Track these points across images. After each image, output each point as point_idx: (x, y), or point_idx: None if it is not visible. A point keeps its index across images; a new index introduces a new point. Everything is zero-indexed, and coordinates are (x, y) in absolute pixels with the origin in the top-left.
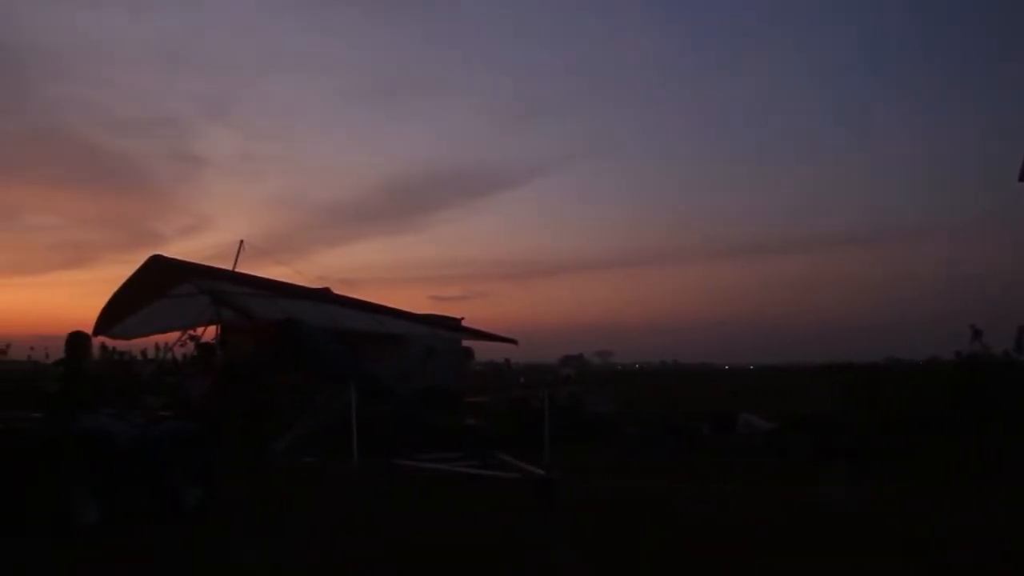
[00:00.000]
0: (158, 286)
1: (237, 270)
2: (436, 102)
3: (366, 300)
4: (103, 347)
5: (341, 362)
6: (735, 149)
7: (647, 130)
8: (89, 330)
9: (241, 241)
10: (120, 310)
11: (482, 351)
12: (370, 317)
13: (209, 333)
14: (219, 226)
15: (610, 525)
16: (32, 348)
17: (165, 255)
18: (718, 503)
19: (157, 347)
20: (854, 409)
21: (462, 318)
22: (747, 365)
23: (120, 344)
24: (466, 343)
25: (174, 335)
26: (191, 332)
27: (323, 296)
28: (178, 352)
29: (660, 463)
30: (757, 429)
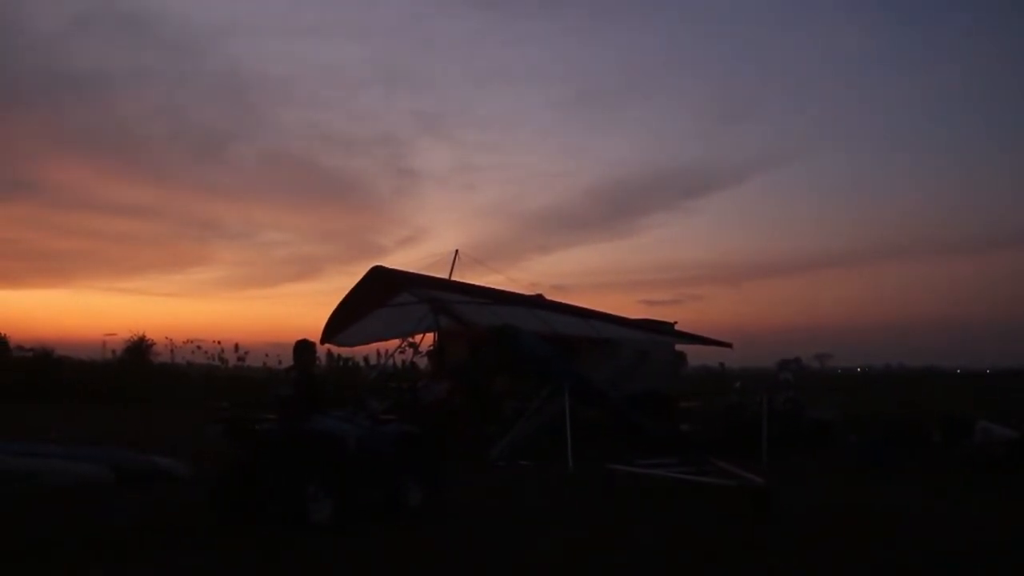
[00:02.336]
0: (379, 296)
1: (453, 279)
2: (643, 107)
3: (578, 305)
4: (329, 354)
5: (556, 367)
6: (963, 139)
7: (863, 124)
8: (316, 338)
9: (456, 251)
10: (344, 319)
11: (696, 355)
12: (583, 322)
13: (427, 340)
14: (435, 236)
15: (835, 537)
16: (267, 355)
17: (385, 266)
18: (970, 522)
19: (379, 353)
20: None
21: (675, 322)
22: (983, 369)
23: (344, 351)
24: (679, 347)
25: (394, 342)
26: (410, 339)
27: (536, 302)
28: (399, 359)
29: (886, 473)
30: (998, 438)
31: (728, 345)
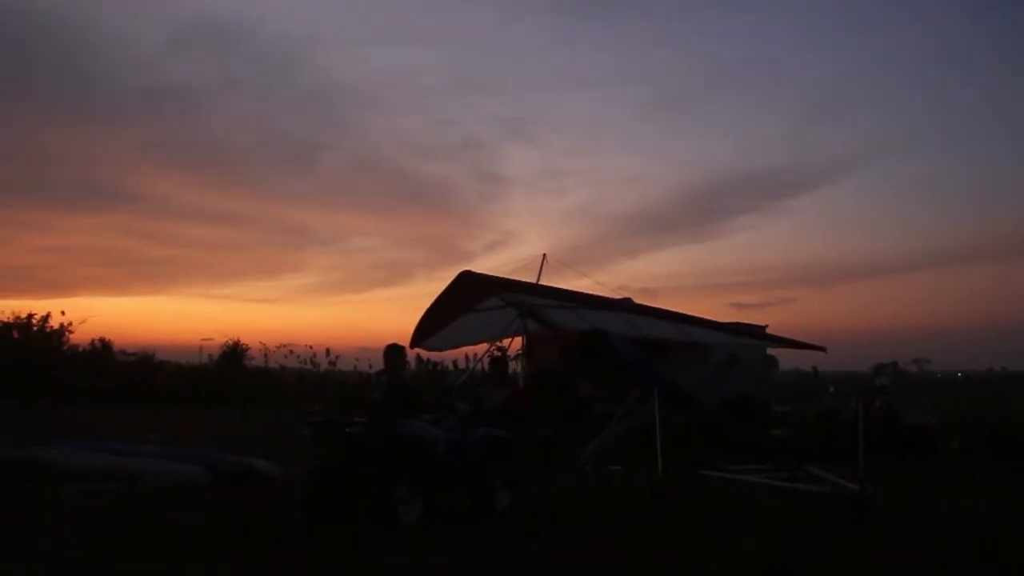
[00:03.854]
0: (467, 300)
1: (541, 283)
2: (729, 107)
3: (667, 309)
4: (418, 358)
5: (645, 371)
6: None
7: (959, 124)
8: (406, 342)
9: (544, 255)
10: (432, 323)
11: (788, 359)
12: (672, 326)
13: (515, 345)
14: (522, 241)
15: (933, 547)
16: (357, 359)
17: (473, 270)
18: None
19: (467, 357)
20: None
21: (766, 325)
22: None
23: (433, 355)
24: (771, 351)
25: (482, 346)
26: (498, 344)
27: (625, 306)
28: (487, 363)
29: (988, 482)
30: None
31: (822, 349)
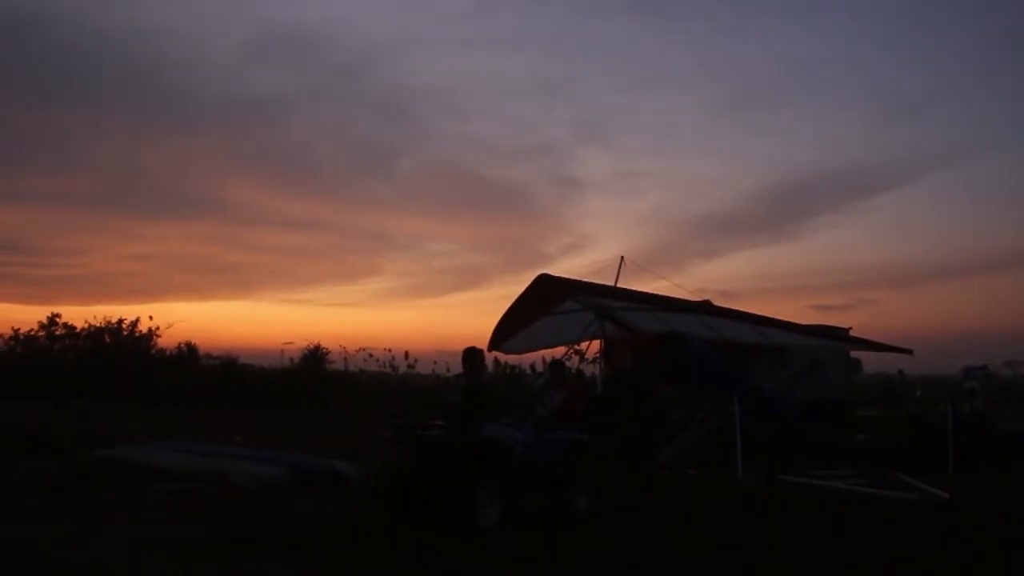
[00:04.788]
0: (544, 303)
1: (618, 285)
2: (805, 105)
3: (746, 311)
4: (496, 361)
5: (725, 374)
6: None
7: None
8: (484, 346)
9: (622, 257)
10: (510, 327)
11: (872, 362)
12: (751, 328)
13: (593, 347)
14: (599, 244)
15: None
16: (435, 362)
17: (551, 273)
18: None
19: (544, 361)
20: None
21: (849, 328)
22: None
23: (511, 358)
24: (855, 354)
25: (560, 350)
26: (576, 347)
27: (704, 308)
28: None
29: None
30: None
31: (908, 351)
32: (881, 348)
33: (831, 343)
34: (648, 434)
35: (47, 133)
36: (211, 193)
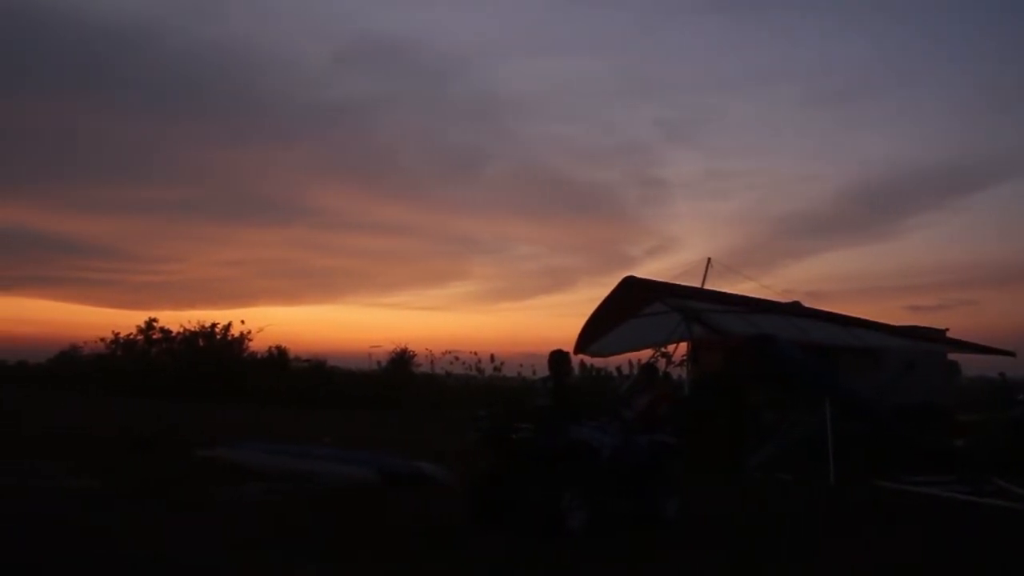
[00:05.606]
0: (631, 306)
1: (705, 287)
2: (897, 101)
3: (837, 312)
4: (582, 364)
5: (817, 377)
6: None
7: None
8: (569, 348)
9: (709, 259)
10: (596, 329)
11: (971, 365)
12: (843, 330)
13: (681, 350)
14: (685, 245)
15: None
16: (521, 365)
17: (637, 276)
18: None
19: (631, 363)
20: None
21: (946, 329)
22: None
23: (597, 361)
24: (953, 356)
25: (647, 352)
26: (663, 349)
27: (793, 310)
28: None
29: None
30: None
31: (1011, 354)
32: (981, 350)
33: (927, 345)
34: (739, 438)
35: (145, 144)
36: (300, 198)
